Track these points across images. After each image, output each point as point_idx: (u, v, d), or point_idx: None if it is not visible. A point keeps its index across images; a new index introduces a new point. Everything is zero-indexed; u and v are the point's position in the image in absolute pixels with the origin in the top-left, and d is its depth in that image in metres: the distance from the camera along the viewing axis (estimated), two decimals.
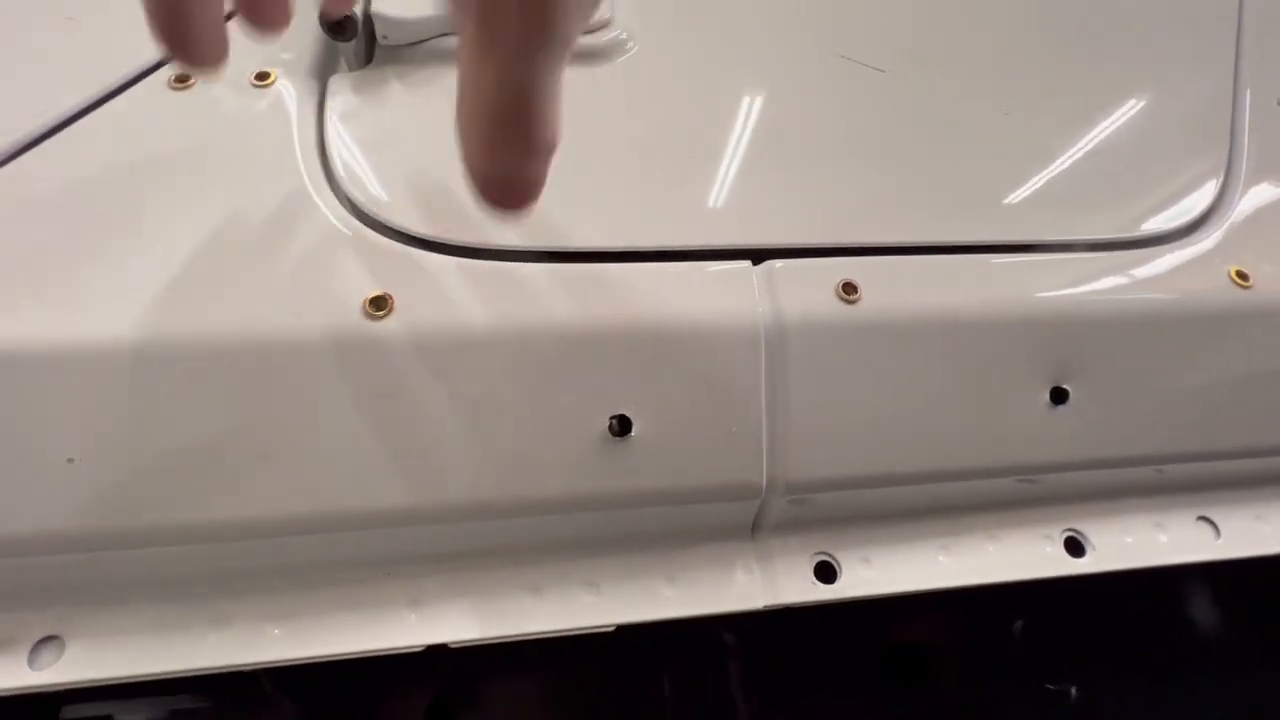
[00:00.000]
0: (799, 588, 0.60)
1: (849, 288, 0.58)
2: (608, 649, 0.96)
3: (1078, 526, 0.65)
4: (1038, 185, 0.68)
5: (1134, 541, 0.65)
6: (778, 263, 0.59)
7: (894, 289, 0.59)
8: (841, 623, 0.98)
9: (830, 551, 0.62)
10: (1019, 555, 0.63)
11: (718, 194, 0.62)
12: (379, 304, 0.53)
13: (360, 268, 0.54)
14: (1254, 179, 0.72)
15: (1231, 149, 0.74)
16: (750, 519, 0.61)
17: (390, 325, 0.52)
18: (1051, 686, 1.03)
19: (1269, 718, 1.04)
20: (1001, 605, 1.03)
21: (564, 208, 0.59)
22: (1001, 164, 0.69)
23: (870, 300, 0.58)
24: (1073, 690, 1.04)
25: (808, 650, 0.96)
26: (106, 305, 0.51)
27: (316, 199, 0.58)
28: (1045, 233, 0.65)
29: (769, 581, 0.60)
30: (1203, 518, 0.67)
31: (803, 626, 0.97)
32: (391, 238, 0.56)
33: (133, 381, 0.50)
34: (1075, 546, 0.65)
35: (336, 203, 0.58)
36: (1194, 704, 1.01)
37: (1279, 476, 0.70)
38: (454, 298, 0.54)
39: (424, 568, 0.58)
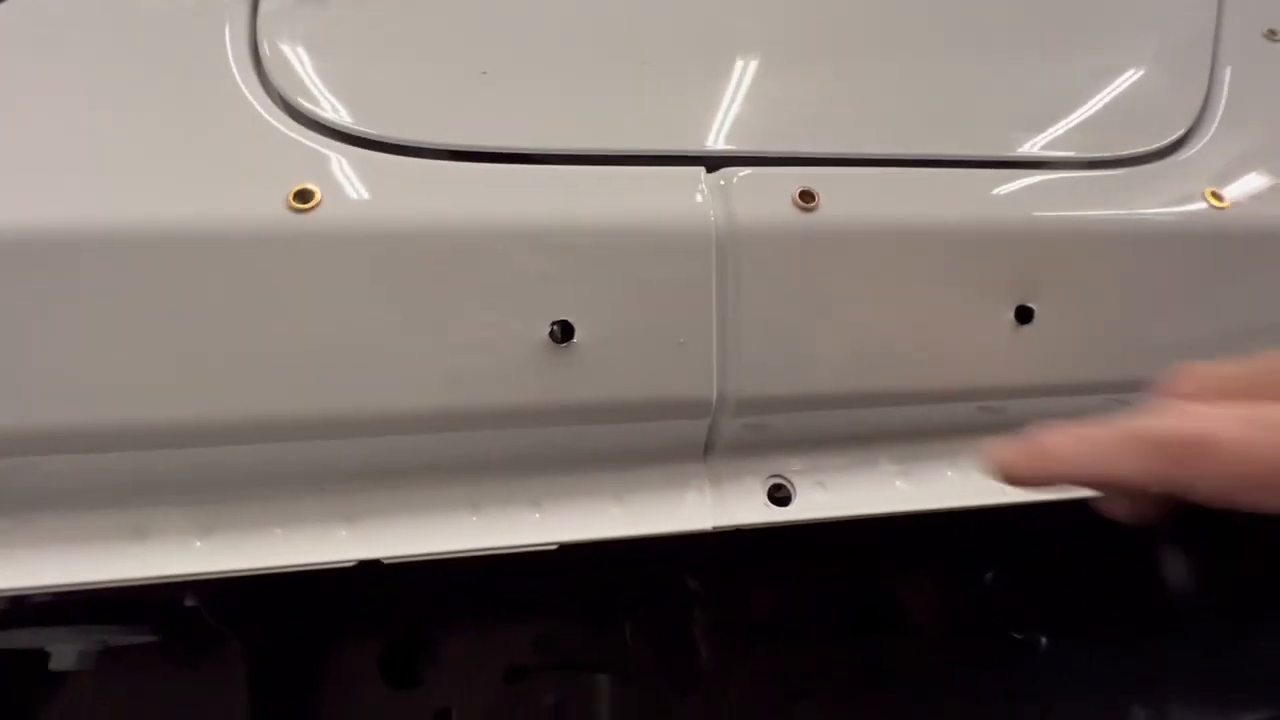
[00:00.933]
0: (752, 510, 0.58)
1: (806, 195, 0.55)
2: (567, 594, 0.95)
3: None
4: (1011, 102, 0.66)
5: None
6: (732, 169, 0.56)
7: (854, 199, 0.57)
8: (810, 571, 0.97)
9: (785, 475, 0.60)
10: (980, 482, 0.61)
11: (671, 98, 0.59)
12: (304, 197, 0.49)
13: (287, 161, 0.51)
14: (1234, 104, 0.69)
15: (1213, 74, 0.71)
16: (702, 439, 0.59)
17: (315, 219, 0.49)
18: (1018, 636, 1.02)
19: (1233, 672, 1.04)
20: (974, 557, 1.02)
21: (507, 107, 0.56)
22: (974, 78, 0.66)
23: (829, 209, 0.55)
24: (1041, 640, 1.03)
25: (772, 598, 0.95)
26: (25, 194, 0.48)
27: (245, 91, 0.55)
28: (1016, 149, 0.63)
29: (720, 503, 0.58)
30: None
31: (766, 573, 0.96)
32: (321, 132, 0.53)
33: (43, 272, 0.47)
34: None
35: (265, 96, 0.55)
36: (1163, 656, 1.01)
37: None
38: (385, 195, 0.51)
39: (359, 484, 0.55)
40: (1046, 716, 0.95)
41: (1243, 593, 1.01)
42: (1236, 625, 1.00)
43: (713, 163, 0.57)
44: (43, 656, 0.67)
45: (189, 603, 0.68)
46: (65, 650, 0.68)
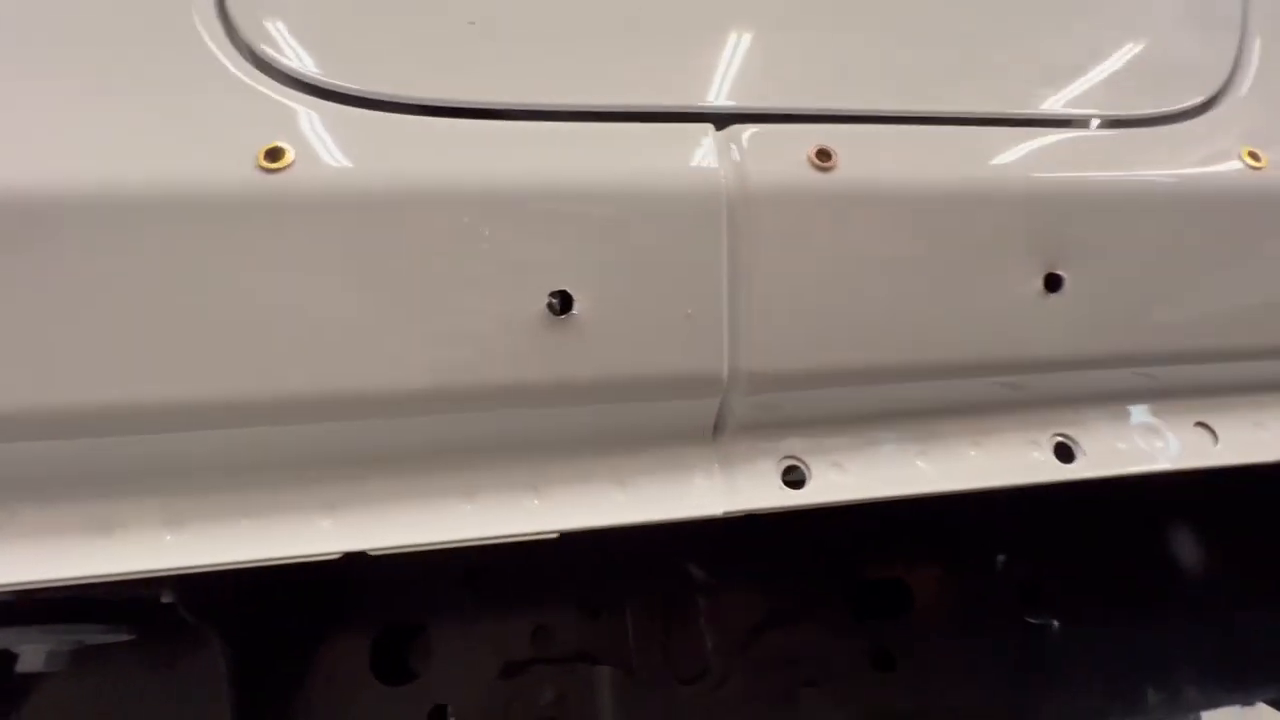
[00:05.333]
0: (764, 493, 0.54)
1: (823, 154, 0.51)
2: (565, 583, 0.92)
3: (1068, 431, 0.60)
4: (1038, 56, 0.62)
5: (1127, 448, 0.60)
6: (744, 127, 0.52)
7: (874, 159, 0.52)
8: (815, 555, 0.94)
9: (800, 455, 0.56)
10: (1004, 461, 0.58)
11: (677, 50, 0.55)
12: (275, 155, 0.45)
13: (255, 117, 0.47)
14: (1270, 57, 0.66)
15: (1245, 25, 0.67)
16: (711, 419, 0.55)
17: (287, 179, 0.44)
18: (1033, 620, 1.00)
19: (1246, 651, 1.03)
20: (982, 538, 1.00)
21: (498, 58, 0.51)
22: (999, 31, 0.62)
23: (847, 169, 0.51)
24: (1053, 623, 1.01)
25: (775, 583, 0.92)
26: None
27: (209, 41, 0.50)
28: (1045, 107, 0.59)
29: (731, 486, 0.55)
30: (1200, 423, 0.62)
31: (775, 559, 0.93)
32: (293, 86, 0.48)
33: None
34: (1065, 452, 0.59)
35: (231, 46, 0.50)
36: (1174, 635, 0.99)
37: (1278, 382, 0.65)
38: (365, 154, 0.47)
39: (342, 470, 0.51)
40: (1058, 700, 0.93)
41: (1255, 571, 0.99)
42: (1249, 604, 0.98)
43: (722, 120, 0.52)
44: (9, 658, 0.63)
45: (166, 599, 0.64)
46: (34, 651, 0.64)
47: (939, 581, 0.95)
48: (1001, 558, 0.96)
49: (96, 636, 0.68)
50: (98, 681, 0.70)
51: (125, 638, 0.70)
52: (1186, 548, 1.01)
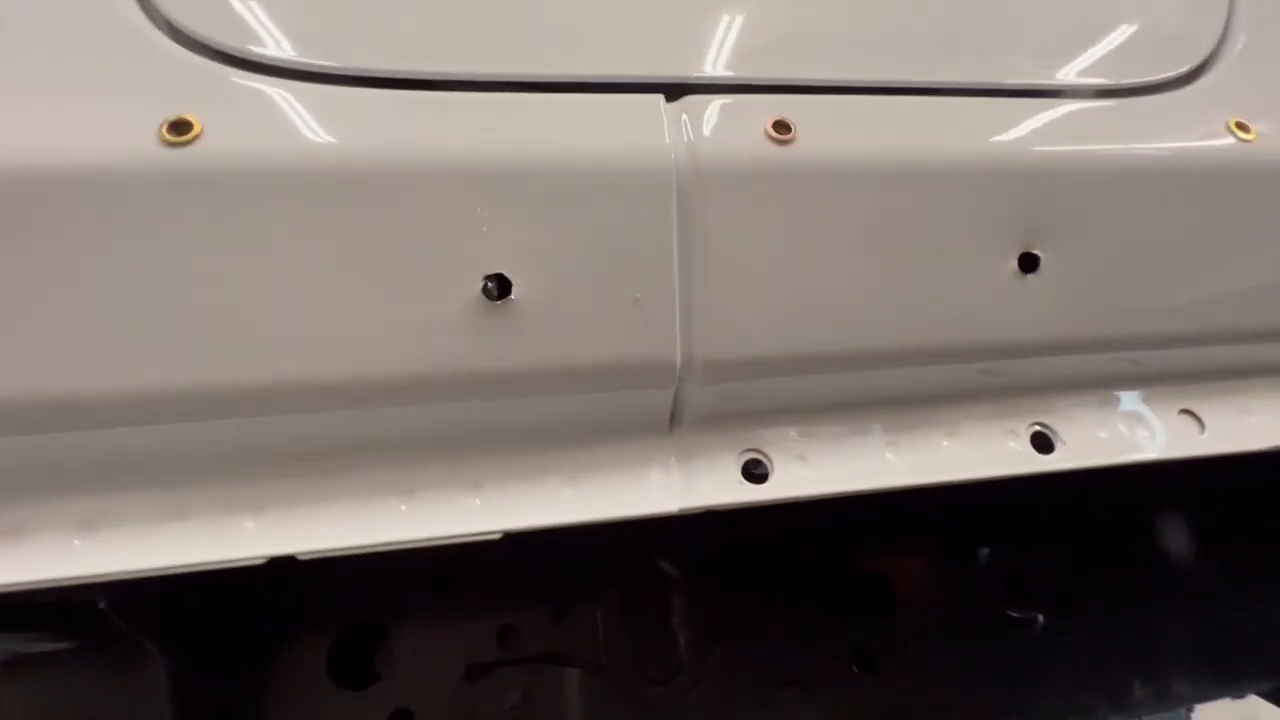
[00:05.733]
0: (724, 488, 0.51)
1: (781, 126, 0.48)
2: (530, 581, 0.89)
3: (1046, 420, 0.57)
4: (1013, 23, 0.58)
5: (1109, 436, 0.57)
6: (696, 98, 0.49)
7: (836, 131, 0.49)
8: (792, 550, 0.92)
9: (761, 448, 0.53)
10: (979, 451, 0.55)
11: (625, 14, 0.51)
12: (180, 128, 0.41)
13: (160, 86, 0.43)
14: (1259, 25, 0.62)
15: None
16: (667, 410, 0.52)
17: (193, 154, 0.41)
18: (1015, 615, 0.98)
19: (1236, 643, 1.00)
20: (964, 532, 0.97)
21: (427, 23, 0.48)
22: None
23: (807, 142, 0.48)
24: (1039, 618, 0.99)
25: (750, 578, 0.89)
26: None
27: (120, 6, 0.46)
28: (1019, 76, 0.55)
29: (689, 481, 0.51)
30: (1185, 410, 0.59)
31: (750, 555, 0.90)
32: (201, 53, 0.44)
33: None
34: (1043, 442, 0.56)
35: (142, 13, 0.46)
36: (1162, 627, 0.97)
37: (1266, 366, 0.62)
38: (279, 126, 0.43)
39: (267, 468, 0.47)
40: (1044, 696, 0.90)
41: (1245, 560, 0.97)
42: (1240, 593, 0.96)
43: (673, 90, 0.49)
44: None
45: (101, 605, 0.60)
46: None
47: (920, 575, 0.93)
48: (984, 550, 0.94)
49: (33, 645, 0.65)
50: (36, 692, 0.67)
51: (65, 645, 0.67)
52: (1173, 536, 0.99)
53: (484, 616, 0.82)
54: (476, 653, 0.80)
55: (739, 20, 0.52)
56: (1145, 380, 0.59)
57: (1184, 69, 0.59)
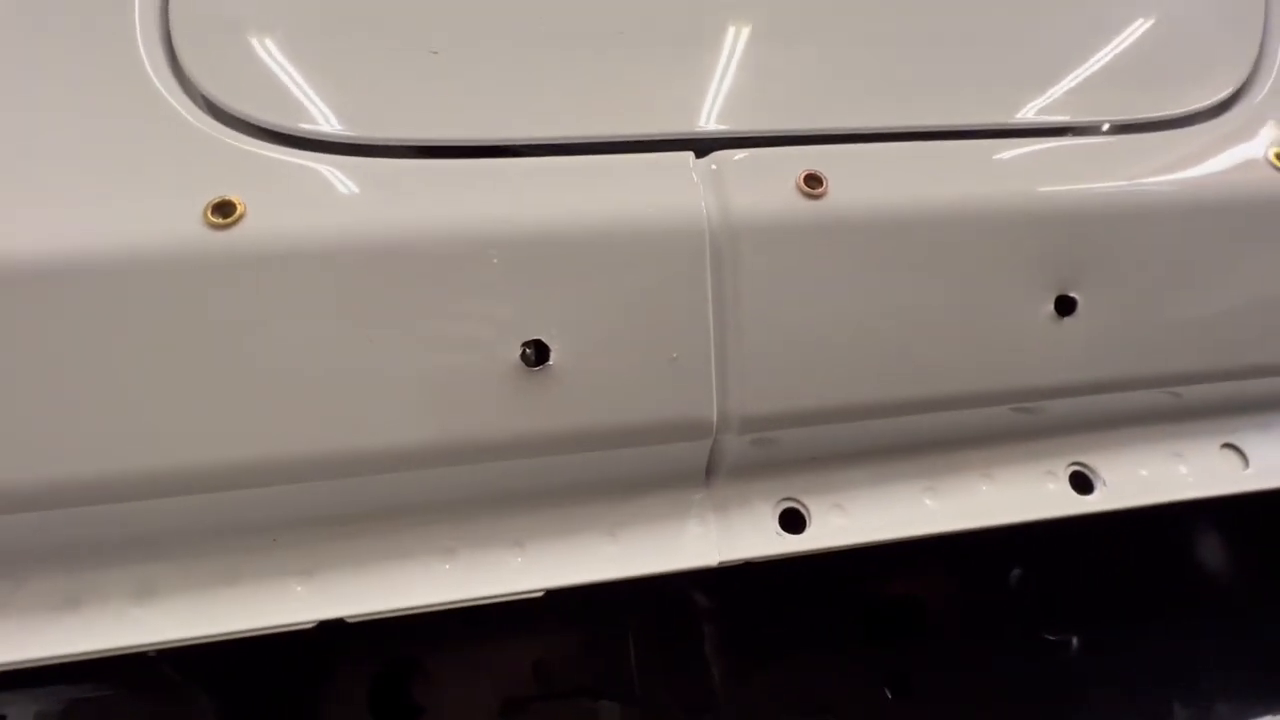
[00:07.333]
0: (761, 540, 0.51)
1: (813, 180, 0.48)
2: (568, 611, 0.89)
3: (1085, 460, 0.57)
4: (1040, 60, 0.58)
5: (1150, 475, 0.57)
6: (726, 152, 0.49)
7: (868, 182, 0.49)
8: (823, 576, 0.91)
9: (798, 497, 0.53)
10: (1018, 494, 0.55)
11: (652, 73, 0.51)
12: (224, 210, 0.42)
13: (202, 166, 0.44)
14: None
15: (1268, 17, 0.63)
16: (703, 463, 0.52)
17: (237, 236, 0.42)
18: (1051, 637, 0.97)
19: (1278, 660, 0.98)
20: (998, 552, 0.96)
21: (460, 91, 0.48)
22: (998, 34, 0.58)
23: (839, 194, 0.48)
24: (1074, 640, 0.98)
25: (784, 606, 0.89)
26: None
27: (158, 85, 0.47)
28: (1051, 115, 0.55)
29: (726, 534, 0.52)
30: (1228, 445, 0.59)
31: (781, 581, 0.90)
32: (243, 130, 0.45)
33: None
34: (1083, 482, 0.56)
35: (177, 86, 0.47)
36: (1202, 645, 0.95)
37: None
38: (320, 203, 0.44)
39: (314, 533, 0.48)
40: (1082, 718, 0.89)
41: None
42: (1278, 611, 0.94)
43: (703, 146, 0.49)
44: None
45: (151, 653, 0.62)
46: (22, 713, 0.62)
47: (952, 598, 0.92)
48: (1017, 571, 0.93)
49: (86, 692, 0.66)
50: None
51: (111, 693, 0.69)
52: (1210, 553, 0.97)
53: (517, 649, 0.82)
54: (512, 686, 0.80)
55: (764, 72, 0.52)
56: (1185, 415, 0.58)
57: (1218, 98, 0.58)
